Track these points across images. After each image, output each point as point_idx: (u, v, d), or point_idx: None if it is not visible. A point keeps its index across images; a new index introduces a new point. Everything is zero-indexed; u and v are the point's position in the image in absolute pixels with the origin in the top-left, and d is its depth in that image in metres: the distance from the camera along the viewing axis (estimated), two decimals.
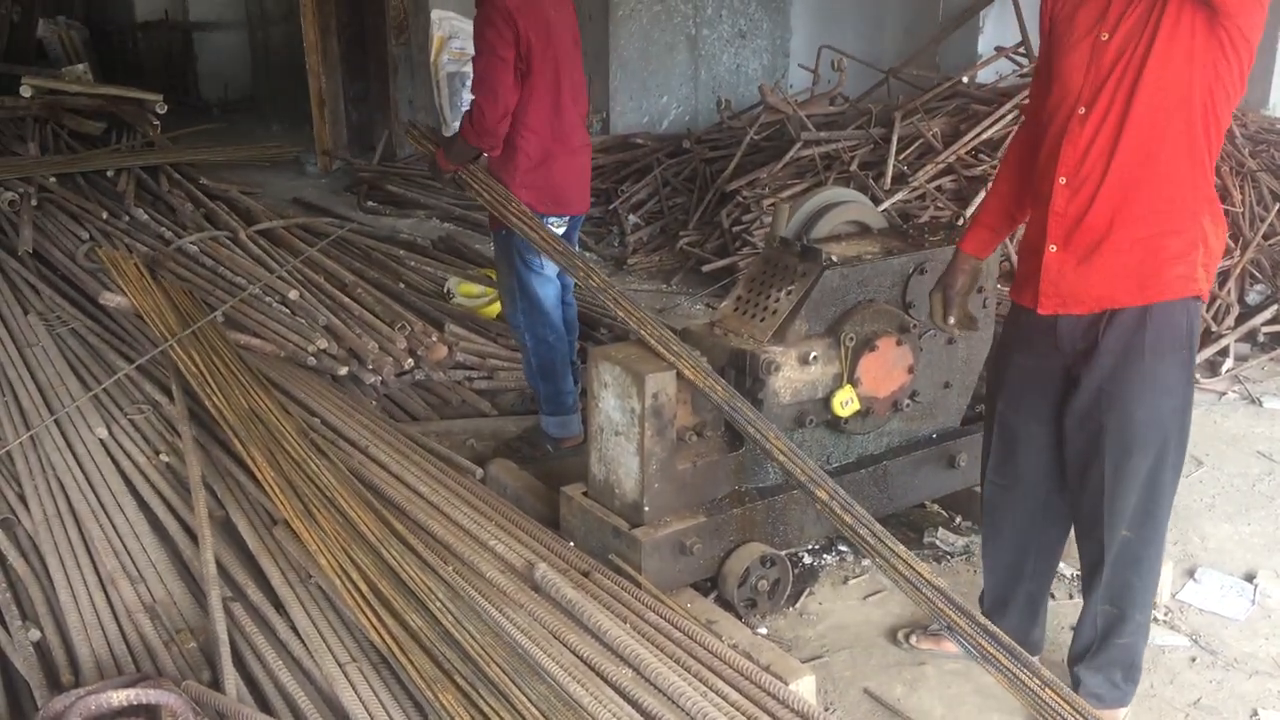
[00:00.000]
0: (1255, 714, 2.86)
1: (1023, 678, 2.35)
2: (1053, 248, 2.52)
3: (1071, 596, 3.33)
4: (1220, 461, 4.26)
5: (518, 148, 3.87)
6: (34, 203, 6.57)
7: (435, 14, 8.93)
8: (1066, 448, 2.65)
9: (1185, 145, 2.38)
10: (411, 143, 4.39)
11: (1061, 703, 2.28)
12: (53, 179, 7.06)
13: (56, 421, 3.96)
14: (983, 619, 2.49)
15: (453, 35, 9.00)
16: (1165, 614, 3.27)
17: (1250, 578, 3.47)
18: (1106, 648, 2.72)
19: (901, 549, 2.65)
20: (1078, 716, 2.25)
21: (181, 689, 2.43)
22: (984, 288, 3.41)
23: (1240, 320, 5.26)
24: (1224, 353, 5.11)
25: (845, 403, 3.27)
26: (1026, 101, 6.13)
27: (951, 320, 2.93)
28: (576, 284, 3.95)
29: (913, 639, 3.11)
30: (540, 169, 3.92)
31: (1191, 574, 3.48)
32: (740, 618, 3.12)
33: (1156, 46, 2.32)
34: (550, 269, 3.98)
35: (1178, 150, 2.39)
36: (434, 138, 4.25)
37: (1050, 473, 2.75)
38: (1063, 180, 2.48)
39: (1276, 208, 5.69)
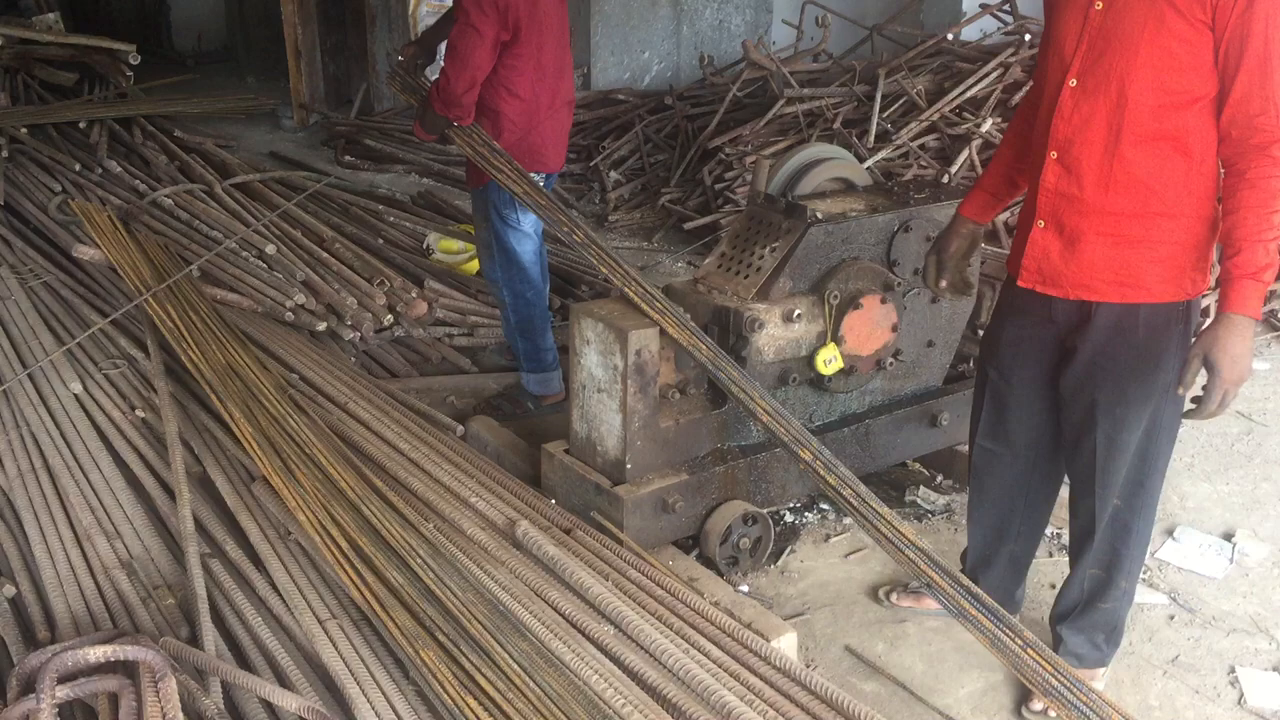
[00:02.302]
0: (1232, 670, 2.89)
1: (1004, 638, 2.35)
2: (1040, 224, 2.47)
3: (1051, 555, 3.35)
4: (1199, 422, 4.26)
5: (501, 113, 3.82)
6: (4, 154, 6.47)
7: None
8: (1062, 415, 2.63)
9: (1181, 140, 2.29)
10: (395, 90, 4.32)
11: (1043, 663, 2.29)
12: (24, 130, 6.96)
13: (30, 376, 3.91)
14: (965, 579, 2.49)
15: None
16: (1144, 572, 3.28)
17: (1229, 536, 3.49)
18: (1090, 610, 2.73)
19: (884, 509, 2.65)
20: (1059, 678, 2.26)
21: (159, 645, 2.41)
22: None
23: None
24: (1204, 313, 5.12)
25: (829, 361, 3.25)
26: (1014, 59, 6.09)
27: (944, 284, 2.90)
28: (556, 238, 3.91)
29: (893, 596, 3.12)
30: (524, 131, 3.87)
31: (1170, 533, 3.50)
32: (722, 575, 3.12)
33: (1150, 25, 2.24)
34: (528, 224, 3.94)
35: (1173, 144, 2.29)
36: (417, 86, 4.18)
37: (1041, 438, 2.73)
38: (1054, 155, 2.42)
39: None
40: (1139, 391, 2.47)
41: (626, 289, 3.13)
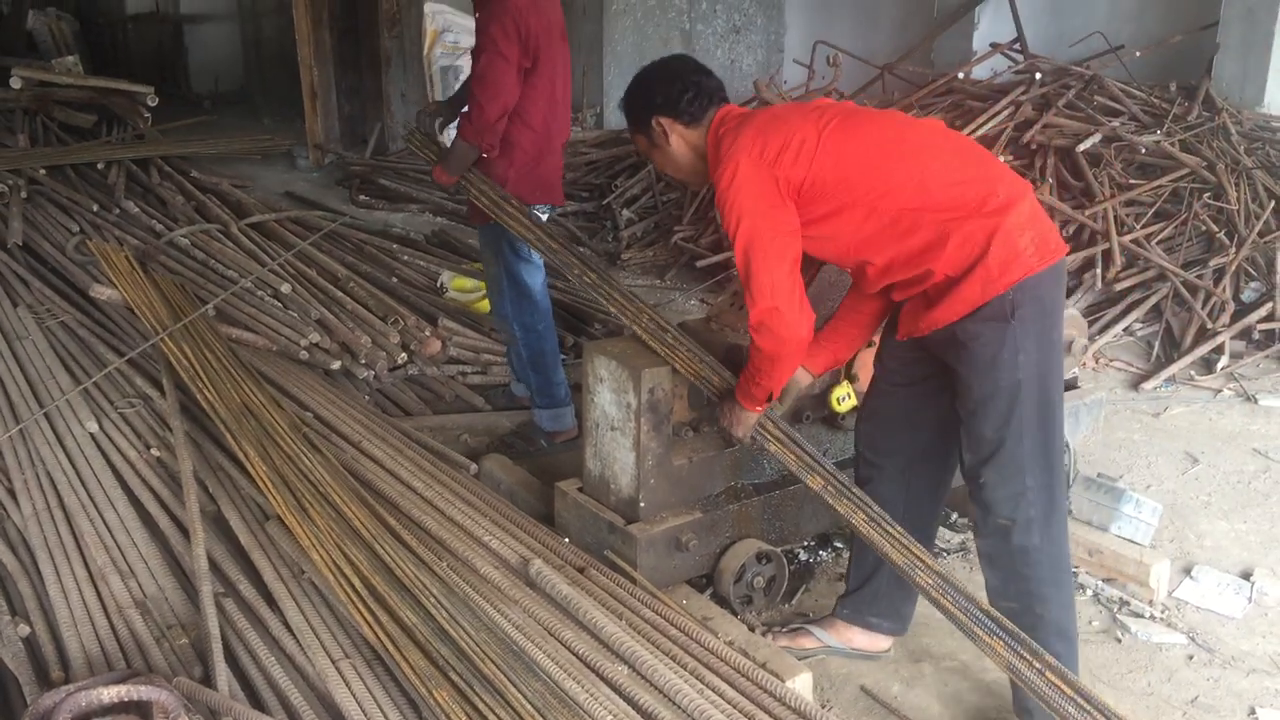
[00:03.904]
0: (1253, 712, 2.85)
1: (1019, 665, 2.34)
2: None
3: None
4: (1216, 459, 4.26)
5: (515, 143, 3.86)
6: (24, 195, 6.53)
7: (429, 7, 8.91)
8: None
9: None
10: (414, 149, 4.30)
11: (1063, 688, 2.27)
12: (42, 171, 7.01)
13: (46, 415, 3.92)
14: (983, 604, 2.49)
15: (446, 29, 8.98)
16: (1162, 611, 3.26)
17: (1247, 575, 3.46)
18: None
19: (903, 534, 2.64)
20: (1084, 705, 2.24)
21: (173, 685, 2.40)
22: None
23: (1235, 318, 5.26)
24: (1219, 350, 5.11)
25: (842, 399, 3.25)
26: (1025, 96, 6.10)
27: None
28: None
29: (769, 635, 3.05)
30: (534, 162, 3.91)
31: (1188, 571, 3.47)
32: (736, 614, 3.11)
33: None
34: (539, 257, 3.97)
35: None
36: (434, 146, 4.19)
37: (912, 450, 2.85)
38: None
39: (1271, 205, 5.69)
40: (985, 390, 2.60)
41: (635, 326, 3.13)
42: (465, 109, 3.84)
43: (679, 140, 2.80)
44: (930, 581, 2.53)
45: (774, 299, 2.55)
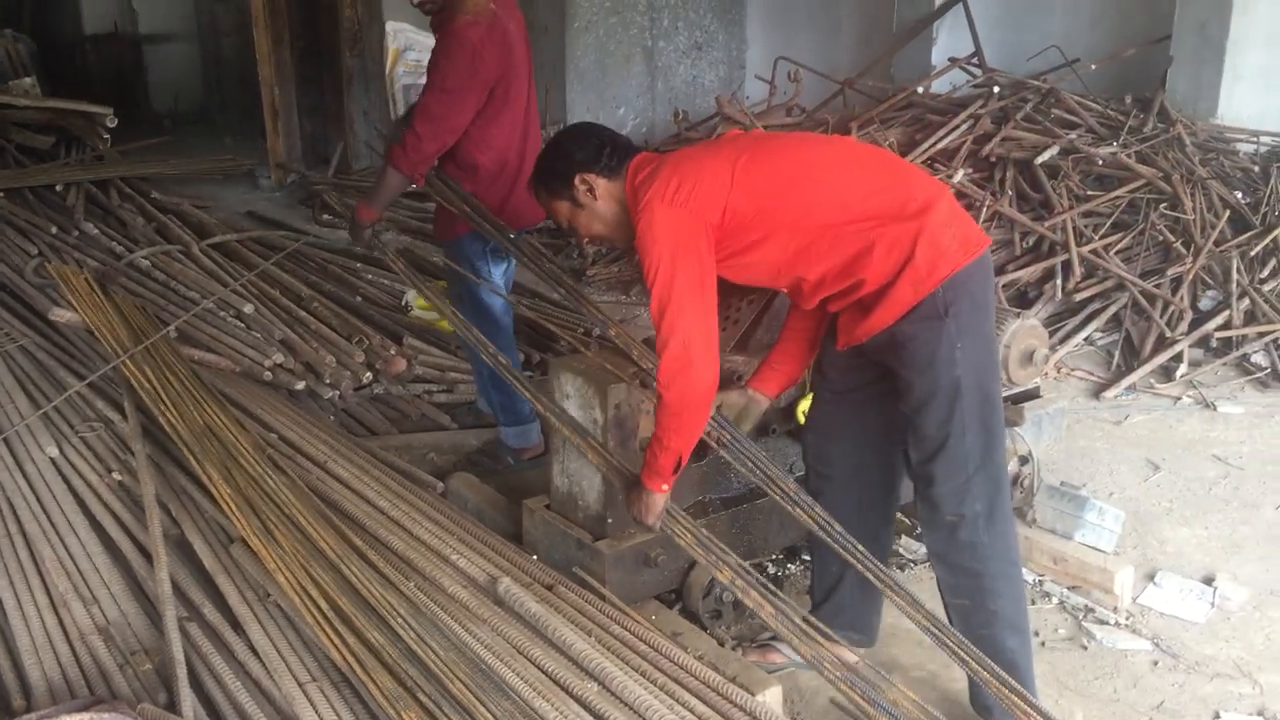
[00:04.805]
0: (1217, 716, 2.88)
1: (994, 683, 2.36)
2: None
3: (1034, 602, 3.34)
4: (1177, 466, 4.30)
5: (479, 165, 3.83)
6: None
7: (390, 26, 8.88)
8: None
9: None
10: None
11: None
12: (0, 194, 6.94)
13: (5, 440, 3.88)
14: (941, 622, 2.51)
15: (408, 47, 8.96)
16: (1127, 618, 3.29)
17: (1209, 580, 3.50)
18: (973, 641, 2.62)
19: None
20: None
21: (137, 712, 2.38)
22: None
23: (1194, 326, 5.32)
24: (1178, 358, 5.17)
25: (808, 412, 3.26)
26: (983, 110, 6.17)
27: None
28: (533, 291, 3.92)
29: (739, 650, 3.07)
30: (497, 183, 3.88)
31: (1151, 578, 3.51)
32: (706, 629, 3.10)
33: None
34: (498, 275, 3.96)
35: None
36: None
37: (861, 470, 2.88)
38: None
39: (1226, 214, 5.77)
40: (926, 388, 2.63)
41: (612, 327, 3.15)
42: (398, 139, 3.78)
43: (605, 195, 2.76)
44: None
45: (688, 350, 2.53)
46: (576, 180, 2.75)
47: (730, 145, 2.72)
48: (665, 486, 2.75)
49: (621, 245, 2.73)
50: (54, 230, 6.41)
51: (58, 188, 7.27)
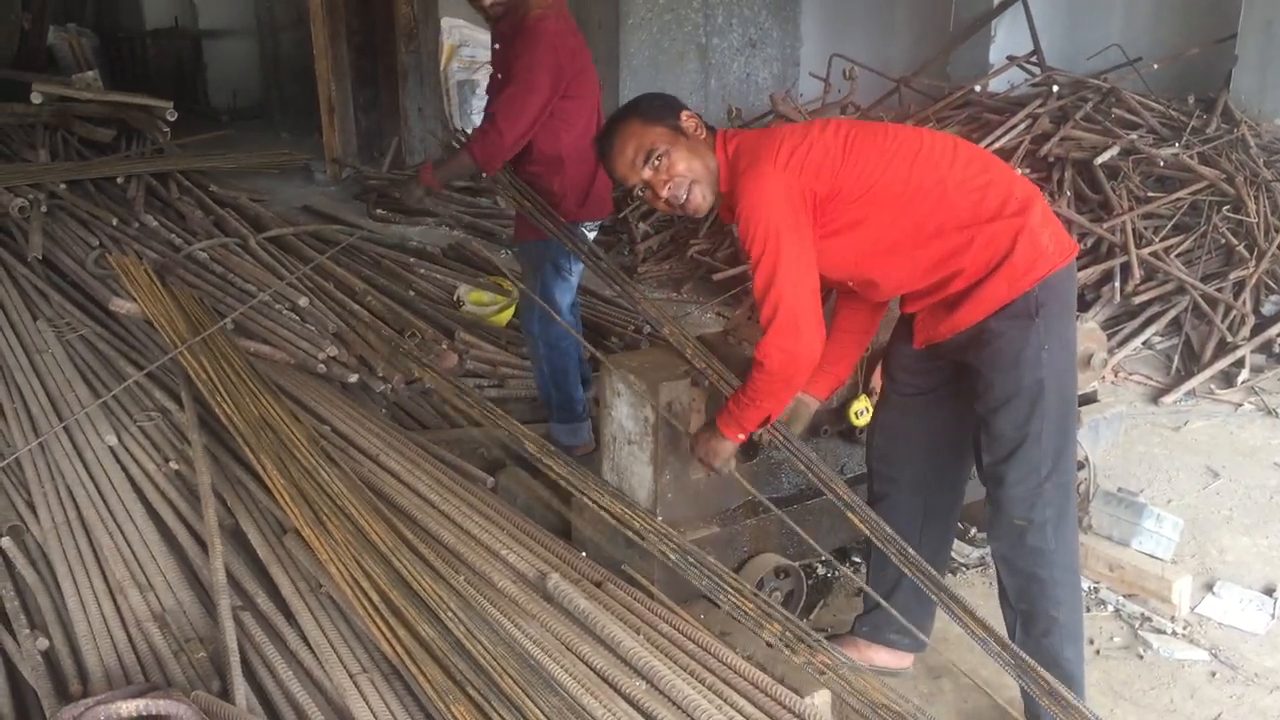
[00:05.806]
0: None
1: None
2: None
3: (1089, 609, 3.29)
4: (1237, 473, 4.22)
5: (562, 156, 3.86)
6: (44, 209, 6.57)
7: (445, 22, 8.94)
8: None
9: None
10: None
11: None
12: (63, 186, 7.06)
13: (66, 428, 3.94)
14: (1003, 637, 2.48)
15: (463, 43, 9.01)
16: (1184, 628, 3.23)
17: (1270, 591, 3.43)
18: (1031, 648, 2.63)
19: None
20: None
21: (191, 699, 2.40)
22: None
23: (1256, 331, 5.22)
24: (1239, 364, 5.07)
25: (860, 413, 3.24)
26: (1042, 109, 6.10)
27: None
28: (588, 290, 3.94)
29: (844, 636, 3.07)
30: (581, 170, 3.91)
31: (1210, 587, 3.44)
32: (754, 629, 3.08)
33: None
34: (576, 274, 3.99)
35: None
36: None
37: (925, 477, 2.85)
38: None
39: None
40: (1006, 393, 2.61)
41: (666, 333, 3.15)
42: (481, 128, 3.83)
43: (703, 143, 2.71)
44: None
45: (796, 320, 2.52)
46: (684, 114, 2.73)
47: (836, 123, 2.65)
48: (742, 436, 2.78)
49: (696, 203, 2.64)
50: (115, 222, 6.51)
51: (119, 180, 7.39)
